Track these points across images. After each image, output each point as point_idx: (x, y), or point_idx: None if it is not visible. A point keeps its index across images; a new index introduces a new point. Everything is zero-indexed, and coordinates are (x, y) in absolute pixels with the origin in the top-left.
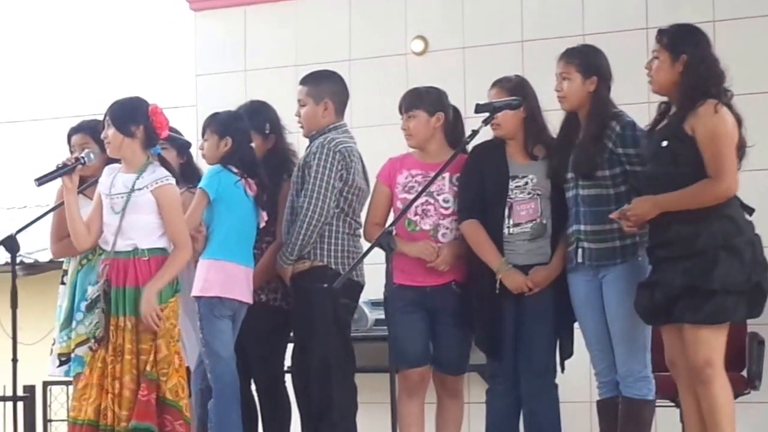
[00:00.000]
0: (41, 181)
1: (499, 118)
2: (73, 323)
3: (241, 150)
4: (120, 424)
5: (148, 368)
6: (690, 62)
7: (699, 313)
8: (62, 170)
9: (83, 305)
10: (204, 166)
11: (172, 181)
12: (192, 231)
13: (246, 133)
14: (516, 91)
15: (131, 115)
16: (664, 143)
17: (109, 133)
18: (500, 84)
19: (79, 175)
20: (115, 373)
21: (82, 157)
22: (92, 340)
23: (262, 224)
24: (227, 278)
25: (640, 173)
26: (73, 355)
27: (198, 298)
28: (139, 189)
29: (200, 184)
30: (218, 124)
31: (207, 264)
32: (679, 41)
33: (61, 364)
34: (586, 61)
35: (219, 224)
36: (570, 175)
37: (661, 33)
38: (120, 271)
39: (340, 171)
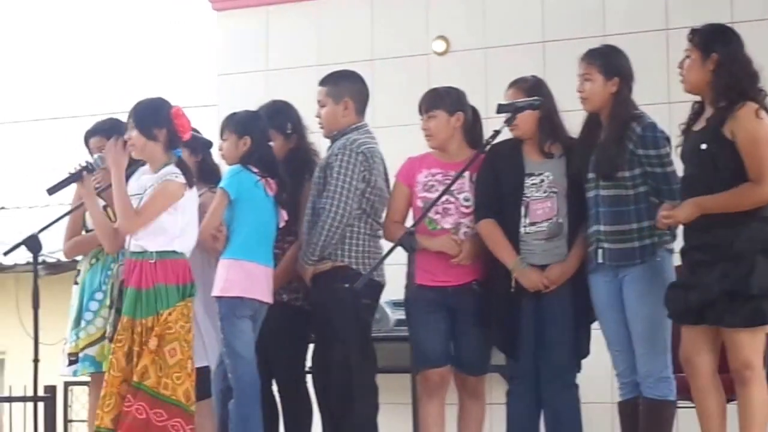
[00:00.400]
0: (52, 190)
1: (517, 118)
2: (82, 323)
3: (260, 149)
4: None
5: (136, 378)
6: (721, 61)
7: (737, 316)
8: (71, 178)
9: (92, 305)
10: (224, 166)
11: (177, 179)
12: (213, 231)
13: (265, 132)
14: (533, 91)
15: (154, 117)
16: (704, 146)
17: (133, 135)
18: (517, 84)
19: (91, 179)
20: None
21: (91, 163)
22: (107, 340)
23: (282, 224)
24: (247, 278)
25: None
26: (82, 355)
27: (219, 298)
28: (149, 188)
29: (221, 184)
30: (237, 123)
31: (227, 264)
32: (710, 40)
33: (71, 363)
34: (608, 61)
35: (239, 224)
36: (591, 175)
37: (693, 32)
38: (129, 271)
39: (363, 172)
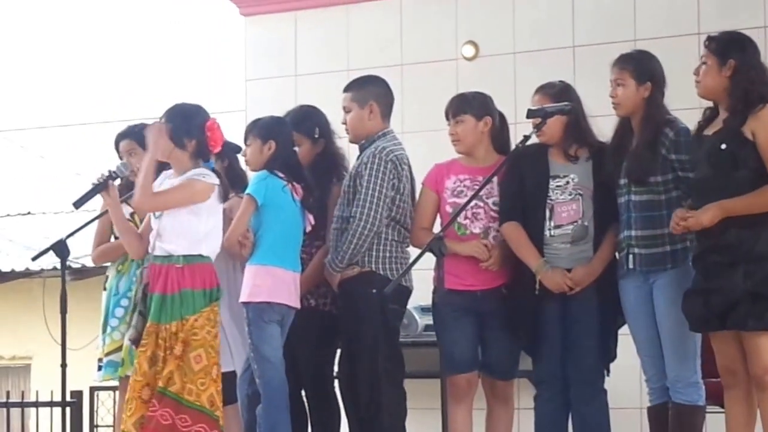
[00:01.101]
0: (78, 203)
1: (546, 123)
2: (108, 329)
3: (285, 154)
4: None
5: (161, 384)
6: (738, 67)
7: (762, 320)
8: (95, 189)
9: (117, 311)
10: (248, 173)
11: (206, 179)
12: (239, 237)
13: (289, 137)
14: (561, 96)
15: (186, 126)
16: (723, 146)
17: (161, 140)
18: (544, 90)
19: (115, 188)
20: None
21: (114, 172)
22: (131, 343)
23: (309, 228)
24: (275, 283)
25: (692, 177)
26: (105, 360)
27: (246, 303)
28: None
29: (248, 190)
30: (261, 128)
31: (255, 269)
32: (727, 47)
33: (100, 369)
34: (641, 66)
35: (267, 230)
36: (623, 181)
37: (710, 39)
38: (154, 276)
39: (392, 180)
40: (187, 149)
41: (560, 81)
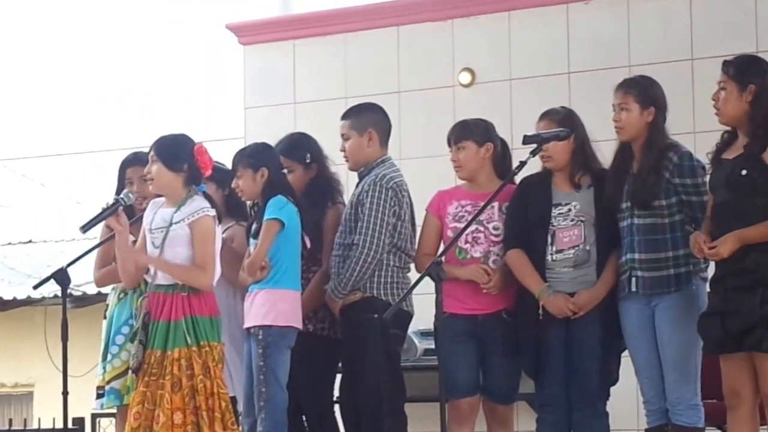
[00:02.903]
0: (86, 228)
1: (550, 150)
2: (108, 356)
3: (279, 178)
4: None
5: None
6: (759, 92)
7: None
8: (104, 214)
9: (118, 339)
10: None
11: (211, 213)
12: (261, 262)
13: (278, 160)
14: (565, 122)
15: (177, 152)
16: (744, 172)
17: (153, 169)
18: (549, 116)
19: (124, 215)
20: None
21: (122, 198)
22: (131, 372)
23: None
24: (293, 309)
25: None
26: (107, 388)
27: (268, 327)
28: (177, 222)
29: (273, 215)
30: (249, 157)
31: (277, 293)
32: (746, 72)
33: (98, 396)
34: (645, 91)
35: (286, 254)
36: (625, 204)
37: (727, 64)
38: (159, 304)
39: (393, 207)
40: (180, 176)
41: (563, 107)
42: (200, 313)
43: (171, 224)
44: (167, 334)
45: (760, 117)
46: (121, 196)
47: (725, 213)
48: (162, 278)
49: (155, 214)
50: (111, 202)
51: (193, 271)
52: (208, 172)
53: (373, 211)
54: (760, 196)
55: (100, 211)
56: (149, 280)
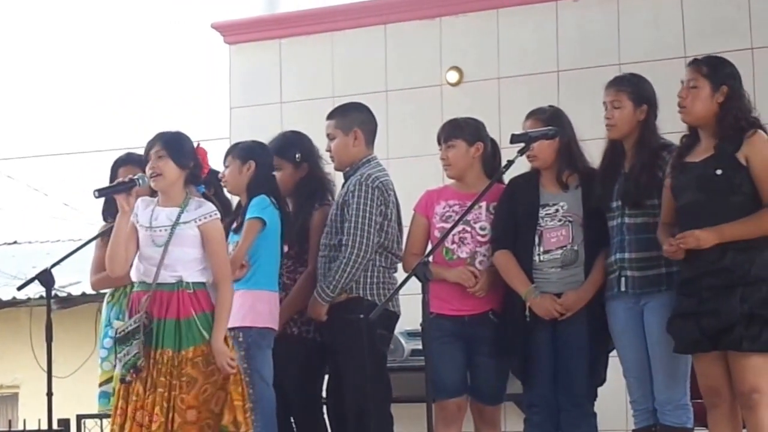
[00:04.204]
0: (101, 192)
1: (535, 149)
2: (98, 359)
3: (265, 177)
4: None
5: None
6: (731, 94)
7: (758, 341)
8: (121, 186)
9: (107, 342)
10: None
11: (218, 216)
12: (243, 260)
13: (269, 160)
14: (552, 121)
15: (184, 149)
16: (719, 172)
17: (161, 164)
18: (535, 115)
19: (135, 197)
20: (146, 405)
21: (138, 179)
22: (130, 371)
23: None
24: (272, 310)
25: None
26: (99, 391)
27: (248, 328)
28: (185, 222)
29: (255, 215)
30: (240, 150)
31: (255, 294)
32: (721, 72)
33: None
34: (637, 89)
35: (266, 255)
36: (615, 203)
37: (699, 63)
38: (163, 303)
39: (380, 207)
40: (184, 173)
41: (551, 106)
42: (209, 308)
43: (177, 223)
44: (177, 332)
45: (730, 119)
46: (137, 177)
47: (695, 213)
48: (165, 276)
49: (153, 212)
50: (128, 179)
51: (224, 293)
52: (205, 174)
53: (360, 211)
54: (737, 194)
55: (116, 183)
56: (147, 280)
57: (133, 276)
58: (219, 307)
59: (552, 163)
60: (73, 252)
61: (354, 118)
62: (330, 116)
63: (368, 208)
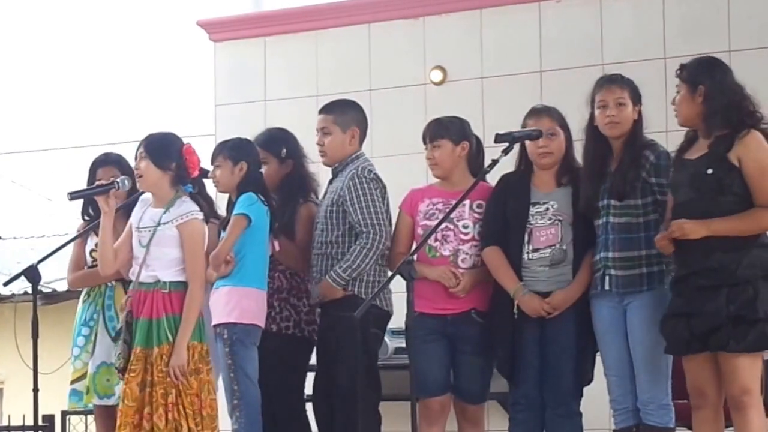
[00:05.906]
0: (74, 195)
1: (552, 146)
2: (71, 357)
3: (256, 176)
4: None
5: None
6: (709, 92)
7: (743, 341)
8: (97, 189)
9: (79, 340)
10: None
11: (200, 216)
12: (226, 256)
13: (258, 158)
14: (562, 120)
15: (167, 151)
16: (709, 171)
17: (142, 165)
18: (548, 113)
19: (114, 198)
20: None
21: (118, 182)
22: (117, 372)
23: (271, 252)
24: (259, 307)
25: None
26: (70, 389)
27: (233, 324)
28: (165, 223)
29: (241, 211)
30: (231, 149)
31: (240, 291)
32: (696, 73)
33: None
34: (634, 88)
35: (252, 252)
36: (602, 203)
37: (681, 67)
38: (140, 302)
39: (380, 196)
40: (167, 174)
41: (543, 105)
42: (180, 311)
43: (159, 224)
44: (149, 331)
45: (714, 116)
46: (118, 179)
47: (688, 212)
48: (145, 276)
49: (144, 212)
50: (108, 181)
51: (193, 294)
52: (196, 173)
53: (368, 199)
54: (726, 194)
55: (94, 185)
56: (133, 279)
57: (130, 275)
58: (186, 309)
59: (558, 161)
60: (60, 248)
61: (353, 117)
62: (327, 111)
63: (374, 196)
